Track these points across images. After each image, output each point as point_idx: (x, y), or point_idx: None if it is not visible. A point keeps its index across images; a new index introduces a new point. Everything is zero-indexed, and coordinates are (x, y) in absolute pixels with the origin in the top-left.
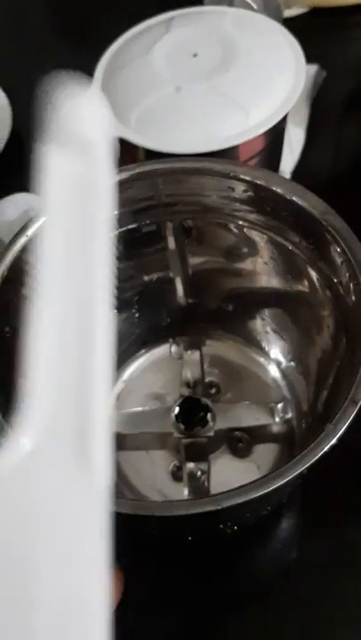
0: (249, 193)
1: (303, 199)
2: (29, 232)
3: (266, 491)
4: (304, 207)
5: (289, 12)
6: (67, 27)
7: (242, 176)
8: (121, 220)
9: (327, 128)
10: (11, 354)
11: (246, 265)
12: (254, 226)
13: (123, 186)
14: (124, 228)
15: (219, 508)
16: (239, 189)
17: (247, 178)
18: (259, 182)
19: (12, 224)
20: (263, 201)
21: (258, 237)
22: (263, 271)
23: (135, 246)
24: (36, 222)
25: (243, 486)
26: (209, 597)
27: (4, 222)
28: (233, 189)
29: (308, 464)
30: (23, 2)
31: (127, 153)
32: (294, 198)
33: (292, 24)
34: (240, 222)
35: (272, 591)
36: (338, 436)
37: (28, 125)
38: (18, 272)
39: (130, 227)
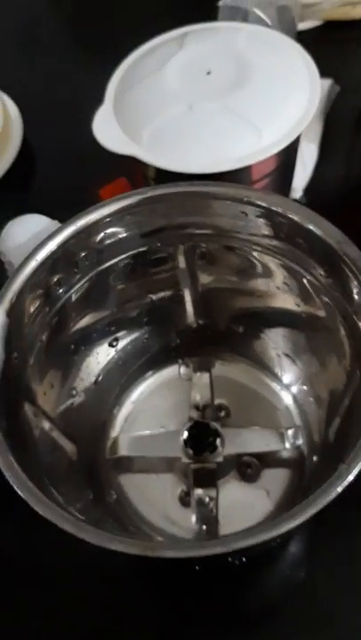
0: (263, 219)
1: (319, 227)
2: (39, 256)
3: (277, 533)
4: (320, 235)
5: (303, 26)
6: (79, 41)
7: (257, 202)
8: (131, 243)
9: (341, 143)
10: (17, 379)
11: (259, 287)
12: (268, 251)
13: (134, 209)
14: (135, 251)
15: (229, 550)
16: (253, 214)
17: (263, 204)
18: (274, 209)
19: (20, 247)
20: (278, 227)
21: (271, 262)
22: (276, 294)
23: (145, 267)
24: (46, 246)
25: (254, 527)
26: (216, 620)
27: (12, 245)
28: (246, 214)
29: (321, 505)
30: (36, 15)
31: (138, 171)
32: (310, 226)
33: (305, 37)
34: (253, 246)
35: (280, 612)
36: (351, 477)
37: (39, 138)
38: (26, 298)
39: (140, 249)
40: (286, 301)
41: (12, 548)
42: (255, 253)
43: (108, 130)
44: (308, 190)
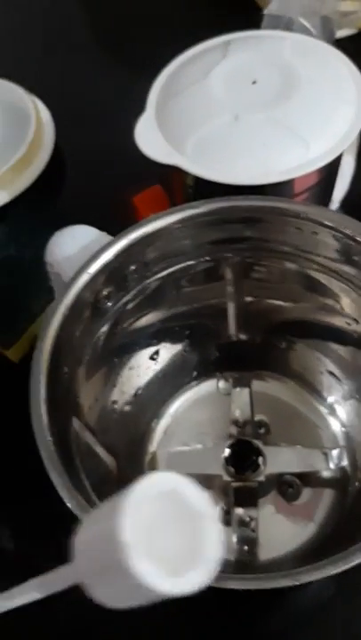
0: (330, 239)
1: None
2: (92, 269)
3: (347, 566)
4: None
5: (339, 34)
6: (116, 46)
7: (326, 222)
8: (180, 256)
9: None
10: (66, 394)
11: (307, 304)
12: (324, 269)
13: (187, 222)
14: (183, 264)
15: (297, 583)
16: (312, 231)
17: (331, 224)
18: (345, 231)
19: (70, 259)
20: (346, 249)
21: (324, 279)
22: (325, 311)
23: (192, 280)
24: (98, 259)
25: (321, 561)
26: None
27: (61, 257)
28: (301, 230)
29: None
30: (71, 18)
31: (176, 180)
32: None
33: (341, 46)
34: (309, 264)
35: (307, 632)
36: None
37: (70, 143)
38: (78, 311)
39: (189, 262)
40: (336, 319)
41: None
42: (310, 271)
43: (150, 139)
44: (346, 202)
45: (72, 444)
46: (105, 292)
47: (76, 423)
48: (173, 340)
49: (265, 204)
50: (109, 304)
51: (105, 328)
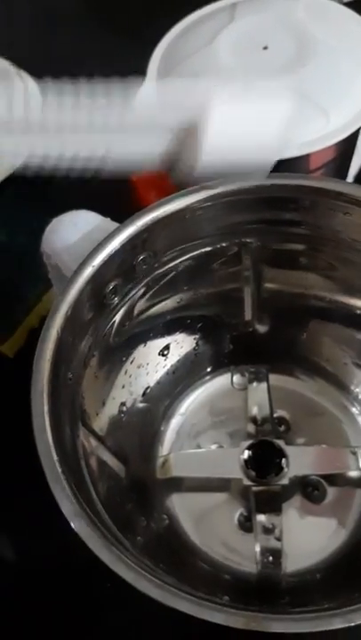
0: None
1: None
2: (96, 262)
3: None
4: None
5: None
6: (108, 16)
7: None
8: (194, 243)
9: None
10: (72, 402)
11: (332, 291)
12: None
13: (202, 205)
14: (197, 252)
15: (351, 625)
16: (350, 213)
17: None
18: None
19: (69, 249)
20: None
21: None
22: (353, 297)
23: (207, 269)
24: (104, 250)
25: None
26: None
27: (60, 247)
28: (349, 214)
29: None
30: None
31: None
32: None
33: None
34: (340, 248)
35: None
36: None
37: None
38: (82, 310)
39: (203, 250)
40: None
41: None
42: (341, 254)
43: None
44: (359, 178)
45: (80, 458)
46: (111, 286)
47: (82, 432)
48: (185, 333)
49: (293, 182)
50: (116, 299)
51: (111, 325)
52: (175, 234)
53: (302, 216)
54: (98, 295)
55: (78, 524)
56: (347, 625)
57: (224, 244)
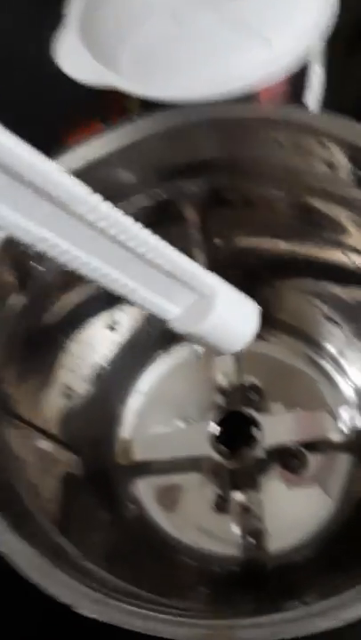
0: (326, 154)
1: None
2: None
3: None
4: None
5: None
6: None
7: (320, 129)
8: (129, 196)
9: (341, 62)
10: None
11: (296, 240)
12: (326, 196)
13: (134, 147)
14: (124, 204)
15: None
16: (314, 149)
17: (328, 132)
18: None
19: None
20: (353, 167)
21: (320, 205)
22: (321, 247)
23: (148, 226)
24: None
25: None
26: None
27: None
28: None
29: None
30: None
31: (115, 107)
32: None
33: None
34: (299, 190)
35: None
36: None
37: None
38: None
39: (132, 202)
40: (335, 254)
41: None
42: (300, 199)
43: (75, 58)
44: None
45: (9, 459)
46: (30, 254)
47: (12, 429)
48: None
49: (232, 110)
50: (40, 268)
51: (37, 298)
52: (97, 183)
53: (248, 151)
54: (17, 263)
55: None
56: (334, 626)
57: (158, 192)
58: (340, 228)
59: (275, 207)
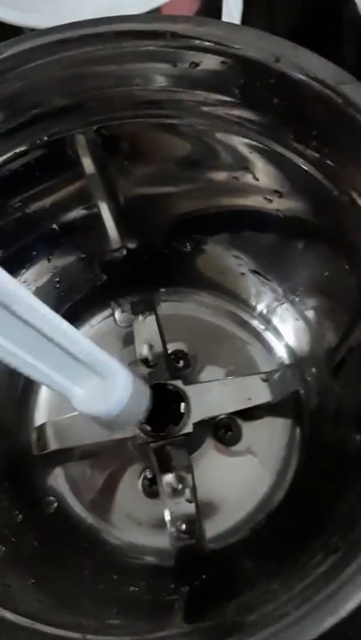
0: (210, 68)
1: (303, 67)
2: None
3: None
4: (304, 81)
5: None
6: None
7: (194, 39)
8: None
9: None
10: None
11: (206, 182)
12: (219, 122)
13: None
14: (9, 153)
15: None
16: (189, 63)
17: (206, 42)
18: (223, 47)
19: None
20: (233, 80)
21: (224, 138)
22: (234, 188)
23: (33, 178)
24: None
25: None
26: None
27: None
28: (195, 64)
29: None
30: None
31: None
32: (289, 70)
33: None
34: (196, 118)
35: None
36: None
37: None
38: None
39: (19, 149)
40: (250, 197)
41: None
42: (200, 129)
43: None
44: None
45: None
46: None
47: None
48: (35, 269)
49: (105, 28)
50: None
51: None
52: None
53: (129, 78)
54: None
55: None
56: None
57: (42, 139)
58: (243, 161)
59: (170, 146)
